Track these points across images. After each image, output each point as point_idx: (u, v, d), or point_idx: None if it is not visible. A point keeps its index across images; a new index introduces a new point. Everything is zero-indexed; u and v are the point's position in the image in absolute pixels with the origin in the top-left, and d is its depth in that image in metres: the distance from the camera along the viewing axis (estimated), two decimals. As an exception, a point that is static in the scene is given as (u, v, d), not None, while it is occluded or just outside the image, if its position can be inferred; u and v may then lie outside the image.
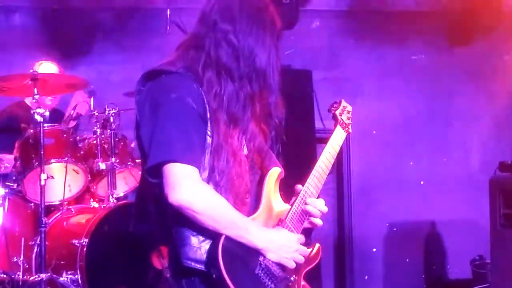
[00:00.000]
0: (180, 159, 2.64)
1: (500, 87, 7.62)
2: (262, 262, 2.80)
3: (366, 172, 7.86)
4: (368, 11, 7.89)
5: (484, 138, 7.76)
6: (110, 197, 5.41)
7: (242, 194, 2.87)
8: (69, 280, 4.85)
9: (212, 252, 2.67)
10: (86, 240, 4.95)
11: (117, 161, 5.46)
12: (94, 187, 5.70)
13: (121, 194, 5.62)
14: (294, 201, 3.04)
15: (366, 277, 7.67)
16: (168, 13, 5.87)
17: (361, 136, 7.57)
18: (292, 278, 2.96)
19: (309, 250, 3.05)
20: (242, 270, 2.77)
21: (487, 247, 6.03)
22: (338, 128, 3.30)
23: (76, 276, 4.89)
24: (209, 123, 2.74)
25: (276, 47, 2.92)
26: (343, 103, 3.41)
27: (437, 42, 7.87)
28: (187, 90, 2.69)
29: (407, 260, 7.25)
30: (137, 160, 5.56)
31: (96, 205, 5.51)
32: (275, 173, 3.06)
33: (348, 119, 3.39)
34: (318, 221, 3.11)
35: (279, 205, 3.02)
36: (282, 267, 2.88)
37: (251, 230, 2.75)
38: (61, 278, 4.88)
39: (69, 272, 4.92)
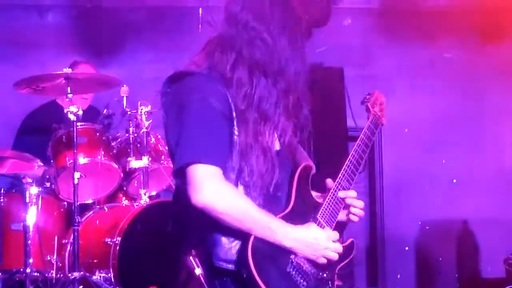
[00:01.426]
0: (203, 160, 2.63)
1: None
2: (293, 260, 2.77)
3: (398, 171, 7.83)
4: (400, 9, 7.86)
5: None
6: (143, 195, 5.39)
7: (274, 191, 2.84)
8: (102, 279, 4.84)
9: (242, 252, 2.65)
10: (119, 238, 4.93)
11: (150, 159, 5.43)
12: (127, 186, 5.69)
13: (154, 193, 5.62)
14: (326, 196, 3.00)
15: (398, 276, 7.64)
16: (200, 11, 5.86)
17: (393, 134, 7.56)
18: (325, 275, 2.91)
19: (342, 246, 2.97)
20: (273, 269, 2.74)
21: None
22: (372, 119, 3.28)
23: (109, 274, 4.87)
24: (235, 122, 2.73)
25: (304, 44, 2.91)
26: (376, 94, 3.43)
27: (469, 40, 7.84)
28: (210, 90, 2.68)
29: (440, 259, 7.21)
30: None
31: (128, 204, 5.51)
32: (306, 168, 3.02)
33: (381, 111, 3.37)
34: (358, 211, 3.09)
35: (311, 201, 3.00)
36: (314, 264, 2.84)
37: (277, 230, 2.71)
38: (94, 277, 4.87)
39: (101, 271, 4.91)
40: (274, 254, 2.74)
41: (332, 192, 3.00)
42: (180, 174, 2.67)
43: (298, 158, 3.07)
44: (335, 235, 2.92)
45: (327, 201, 2.96)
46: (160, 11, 7.18)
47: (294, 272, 2.78)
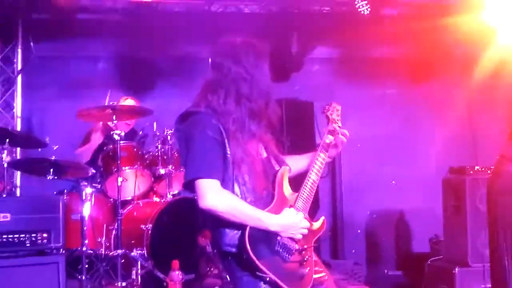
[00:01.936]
0: (204, 176, 2.79)
1: (450, 114, 7.64)
2: (279, 241, 2.84)
3: (354, 175, 7.88)
4: (355, 58, 7.92)
5: (439, 150, 7.75)
6: (168, 194, 5.47)
7: (260, 191, 2.92)
8: (138, 255, 4.92)
9: (241, 238, 2.76)
10: (151, 225, 5.03)
11: (173, 167, 5.52)
12: (156, 186, 5.76)
13: (176, 192, 5.62)
14: (300, 189, 2.99)
15: (353, 251, 7.68)
16: (210, 61, 5.91)
17: (349, 149, 7.55)
18: (304, 248, 2.92)
19: (313, 223, 3.00)
20: (265, 249, 2.80)
21: (441, 228, 6.04)
22: (330, 124, 3.28)
23: (143, 251, 4.95)
24: (227, 144, 2.85)
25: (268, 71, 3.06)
26: (333, 104, 3.40)
27: (406, 81, 7.89)
28: (207, 124, 2.83)
29: (383, 239, 7.18)
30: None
31: (157, 199, 5.58)
32: (284, 170, 3.05)
33: (338, 116, 3.36)
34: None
35: (290, 195, 3.00)
36: (295, 241, 2.89)
37: (265, 220, 2.80)
38: (132, 253, 4.95)
39: (138, 249, 4.99)
40: (264, 238, 2.82)
41: (304, 184, 3.00)
42: (189, 187, 2.84)
43: (278, 162, 3.12)
44: (304, 216, 2.94)
45: (301, 192, 2.97)
46: (180, 60, 7.24)
47: (280, 250, 2.84)
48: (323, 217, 3.11)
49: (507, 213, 3.34)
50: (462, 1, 6.34)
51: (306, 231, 2.94)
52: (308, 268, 2.95)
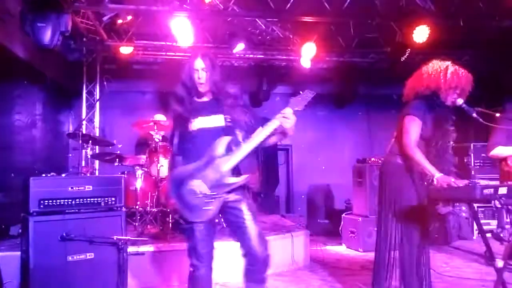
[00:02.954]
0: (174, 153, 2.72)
1: (357, 125, 7.74)
2: (192, 184, 2.51)
3: (300, 163, 7.96)
4: (297, 93, 7.98)
5: (351, 146, 7.84)
6: None
7: (197, 158, 2.57)
8: (170, 210, 4.68)
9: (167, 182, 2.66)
10: None
11: None
12: None
13: None
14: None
15: (299, 209, 7.74)
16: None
17: (297, 145, 7.71)
18: (214, 194, 2.51)
19: (228, 178, 2.55)
20: (181, 189, 2.54)
21: (351, 195, 6.13)
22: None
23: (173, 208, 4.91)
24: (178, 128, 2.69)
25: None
26: (305, 91, 2.87)
27: (330, 104, 7.97)
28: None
29: (317, 201, 7.14)
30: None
31: None
32: (218, 141, 2.59)
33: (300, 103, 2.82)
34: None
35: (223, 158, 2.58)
36: (208, 186, 2.52)
37: (188, 167, 2.57)
38: (165, 209, 4.78)
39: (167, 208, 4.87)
40: (182, 182, 2.54)
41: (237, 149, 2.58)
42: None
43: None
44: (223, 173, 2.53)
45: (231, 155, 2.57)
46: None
47: (191, 190, 2.51)
48: (245, 175, 2.64)
49: (389, 188, 3.30)
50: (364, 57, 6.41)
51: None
52: (212, 207, 2.53)
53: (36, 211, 3.27)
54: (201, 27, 6.17)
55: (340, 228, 5.99)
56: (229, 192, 2.58)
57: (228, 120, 2.65)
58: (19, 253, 3.44)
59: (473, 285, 3.91)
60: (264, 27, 6.23)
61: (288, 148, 8.07)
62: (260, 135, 2.58)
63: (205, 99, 2.76)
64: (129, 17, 5.75)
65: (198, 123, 2.64)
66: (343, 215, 5.99)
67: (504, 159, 4.21)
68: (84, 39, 6.34)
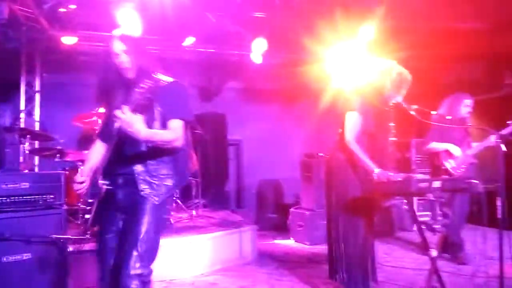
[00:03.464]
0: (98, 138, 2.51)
1: (307, 124, 7.86)
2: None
3: (251, 158, 7.99)
4: (251, 88, 8.03)
5: (299, 144, 7.93)
6: None
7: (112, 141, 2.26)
8: None
9: None
10: None
11: None
12: None
13: None
14: None
15: (249, 203, 7.73)
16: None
17: (247, 142, 7.72)
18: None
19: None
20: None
21: (300, 189, 6.19)
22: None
23: None
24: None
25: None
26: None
27: (281, 102, 8.02)
28: None
29: (267, 195, 7.21)
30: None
31: None
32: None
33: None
34: None
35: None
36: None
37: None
38: None
39: None
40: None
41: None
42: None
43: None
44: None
45: None
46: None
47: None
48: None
49: (335, 183, 3.38)
50: (314, 55, 6.51)
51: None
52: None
53: (-32, 209, 3.07)
54: (150, 19, 6.00)
55: (288, 222, 6.07)
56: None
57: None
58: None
59: (412, 274, 4.08)
60: (214, 21, 6.15)
61: (238, 143, 8.07)
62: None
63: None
64: (73, 6, 5.49)
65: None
66: (292, 209, 6.06)
67: (436, 154, 4.45)
68: (24, 28, 5.99)
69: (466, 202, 4.36)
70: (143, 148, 2.26)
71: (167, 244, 4.19)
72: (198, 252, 4.34)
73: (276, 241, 5.87)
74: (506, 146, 4.17)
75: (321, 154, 5.96)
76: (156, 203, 2.26)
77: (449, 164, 4.38)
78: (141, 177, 2.26)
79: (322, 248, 5.11)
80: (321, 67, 6.67)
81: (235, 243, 4.71)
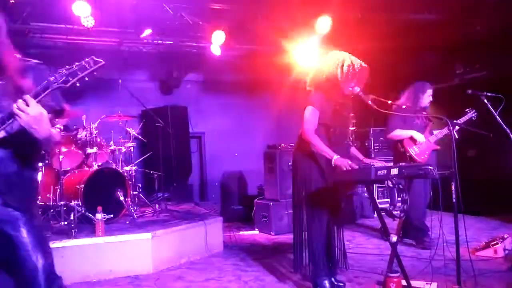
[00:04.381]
0: None
1: (270, 115, 7.90)
2: None
3: (213, 151, 7.95)
4: (211, 80, 7.98)
5: (263, 135, 7.92)
6: (94, 165, 5.15)
7: None
8: (75, 204, 4.54)
9: None
10: (83, 185, 4.69)
11: (97, 148, 5.24)
12: (86, 160, 5.27)
13: (100, 163, 5.30)
14: None
15: (213, 196, 7.74)
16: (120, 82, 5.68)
17: (211, 134, 7.69)
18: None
19: None
20: None
21: (263, 180, 6.22)
22: None
23: (78, 202, 4.63)
24: None
25: None
26: None
27: (245, 94, 8.01)
28: None
29: (230, 188, 7.26)
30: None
31: (87, 169, 5.14)
32: None
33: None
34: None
35: None
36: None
37: None
38: (71, 203, 4.57)
39: (74, 200, 4.61)
40: None
41: None
42: None
43: None
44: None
45: None
46: (98, 80, 6.90)
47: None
48: None
49: (299, 173, 3.41)
50: (274, 47, 6.55)
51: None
52: None
53: None
54: (106, 10, 5.82)
55: (252, 213, 6.11)
56: None
57: None
58: None
59: (374, 260, 4.22)
60: (172, 12, 6.05)
61: (201, 135, 8.02)
62: None
63: None
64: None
65: None
66: (256, 200, 6.10)
67: (401, 141, 4.59)
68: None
69: (426, 188, 4.52)
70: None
71: (132, 240, 4.14)
72: (163, 246, 4.29)
73: (242, 232, 5.89)
74: (460, 133, 4.39)
75: (283, 145, 6.03)
76: None
77: (413, 151, 4.53)
78: None
79: (287, 238, 5.25)
80: (282, 59, 6.73)
81: (200, 236, 4.70)
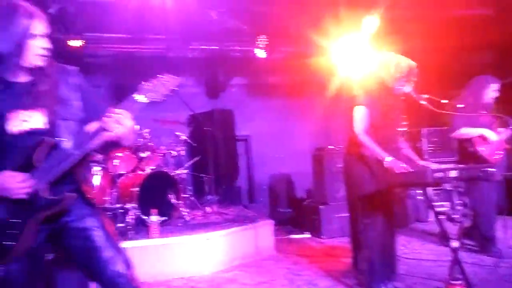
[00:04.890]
0: None
1: (315, 116, 7.80)
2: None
3: (260, 154, 7.93)
4: (256, 84, 7.99)
5: (309, 138, 7.82)
6: (147, 169, 5.21)
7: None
8: (130, 207, 4.65)
9: None
10: (138, 188, 4.80)
11: (149, 153, 5.39)
12: (140, 165, 5.44)
13: (153, 167, 5.40)
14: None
15: (261, 199, 7.73)
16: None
17: (256, 137, 7.71)
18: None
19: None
20: None
21: (312, 183, 6.16)
22: None
23: (133, 204, 4.74)
24: None
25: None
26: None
27: (288, 96, 7.92)
28: None
29: (278, 191, 7.24)
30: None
31: (141, 172, 5.24)
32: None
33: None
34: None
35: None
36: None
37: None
38: (126, 206, 4.69)
39: (129, 203, 4.73)
40: None
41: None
42: None
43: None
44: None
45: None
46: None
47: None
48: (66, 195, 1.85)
49: (352, 177, 3.42)
50: (318, 48, 6.49)
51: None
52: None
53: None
54: (153, 19, 6.00)
55: (302, 217, 6.08)
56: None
57: (49, 121, 1.84)
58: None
59: (431, 266, 4.07)
60: (216, 18, 6.14)
61: (247, 138, 8.07)
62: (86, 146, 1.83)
63: (22, 79, 1.88)
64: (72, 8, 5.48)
65: (18, 121, 1.80)
66: (304, 202, 6.07)
67: (469, 140, 4.29)
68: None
69: (492, 191, 4.21)
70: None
71: (186, 242, 4.23)
72: (216, 248, 4.36)
73: (292, 236, 5.87)
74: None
75: (331, 147, 5.96)
76: None
77: (484, 150, 4.21)
78: None
79: (338, 242, 5.19)
80: (327, 59, 6.67)
81: (251, 239, 4.73)
